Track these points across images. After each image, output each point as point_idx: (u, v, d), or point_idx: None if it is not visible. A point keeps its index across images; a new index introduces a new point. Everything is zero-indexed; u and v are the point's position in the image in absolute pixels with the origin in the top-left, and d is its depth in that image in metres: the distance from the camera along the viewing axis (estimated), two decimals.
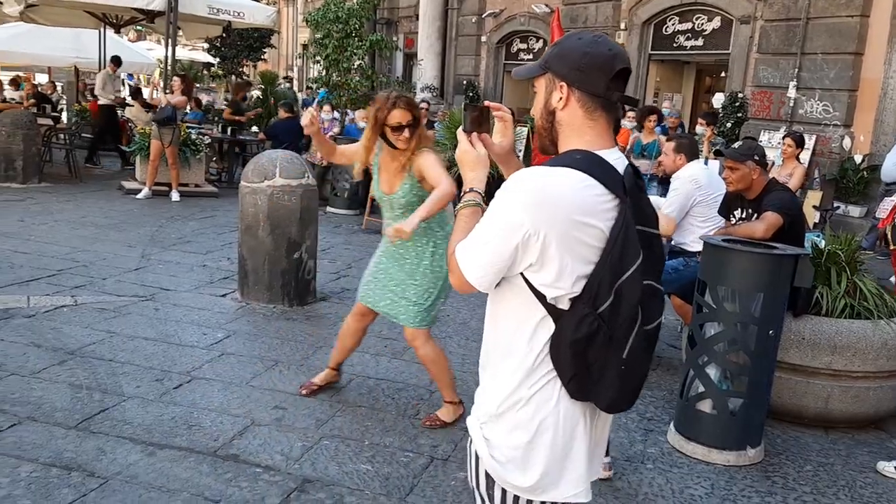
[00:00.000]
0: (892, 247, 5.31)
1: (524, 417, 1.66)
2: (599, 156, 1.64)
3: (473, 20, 18.48)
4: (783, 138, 8.06)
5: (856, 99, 10.90)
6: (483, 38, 18.44)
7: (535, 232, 1.55)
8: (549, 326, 1.62)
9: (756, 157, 4.41)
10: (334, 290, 6.66)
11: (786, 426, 4.37)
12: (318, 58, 14.16)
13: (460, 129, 1.85)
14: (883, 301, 4.39)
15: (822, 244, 4.55)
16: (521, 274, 1.62)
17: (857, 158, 10.64)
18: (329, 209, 10.61)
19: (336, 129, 11.73)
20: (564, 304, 1.60)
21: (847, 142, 10.84)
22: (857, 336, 4.22)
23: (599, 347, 1.59)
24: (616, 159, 1.68)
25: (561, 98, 1.69)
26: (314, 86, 15.05)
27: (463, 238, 1.69)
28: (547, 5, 15.91)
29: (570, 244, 1.57)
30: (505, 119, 1.92)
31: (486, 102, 1.92)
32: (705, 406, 3.99)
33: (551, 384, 1.65)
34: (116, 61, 13.78)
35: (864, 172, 10.35)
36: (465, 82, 18.51)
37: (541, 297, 1.61)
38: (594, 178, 1.58)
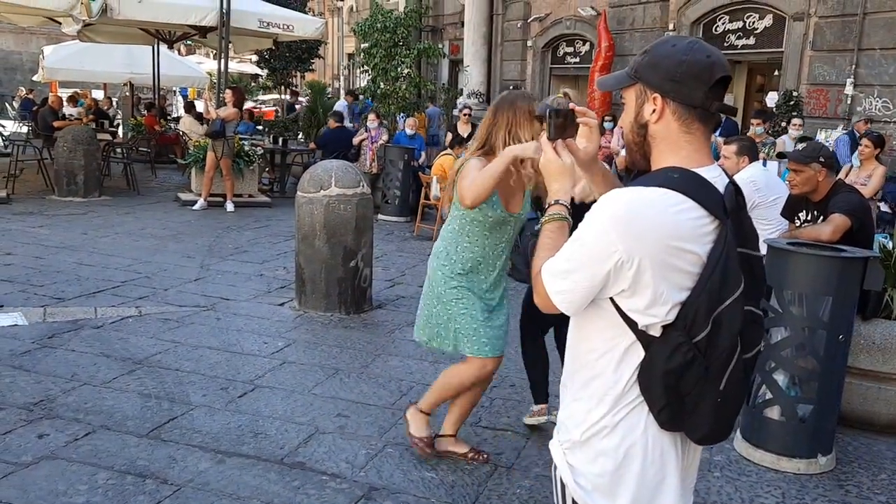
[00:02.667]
0: None
1: (610, 445, 1.59)
2: (698, 174, 1.54)
3: (518, 25, 18.43)
4: (862, 138, 7.80)
5: None
6: (529, 43, 18.38)
7: (629, 258, 1.47)
8: (639, 353, 1.54)
9: (822, 159, 4.31)
10: (389, 298, 6.70)
11: (857, 433, 4.26)
12: (365, 67, 14.30)
13: (544, 136, 1.76)
14: None
15: (890, 245, 4.42)
16: (611, 298, 1.54)
17: None
18: (380, 217, 10.70)
19: (385, 138, 11.82)
20: (656, 331, 1.52)
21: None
22: None
23: (694, 379, 1.50)
24: (716, 177, 1.57)
25: (654, 110, 1.58)
26: (362, 95, 15.20)
27: (549, 256, 1.60)
28: (593, 8, 15.78)
29: (665, 271, 1.48)
30: (591, 124, 1.82)
31: (572, 106, 1.79)
32: (773, 413, 3.91)
33: (638, 410, 1.57)
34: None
35: None
36: (511, 87, 18.49)
37: (631, 324, 1.53)
38: (693, 199, 1.49)
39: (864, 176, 7.41)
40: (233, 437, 3.82)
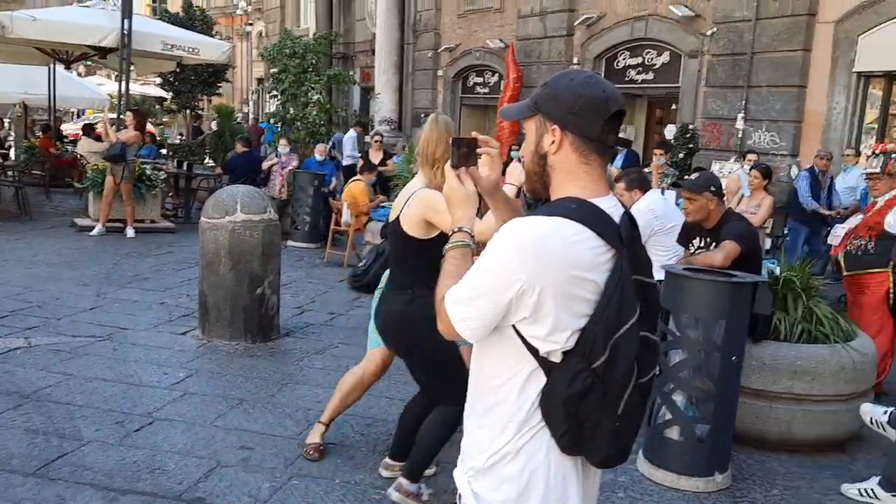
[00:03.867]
0: (844, 273, 5.46)
1: (513, 471, 1.60)
2: (595, 205, 1.58)
3: (429, 54, 18.69)
4: (750, 170, 8.25)
5: (801, 130, 11.27)
6: (439, 72, 18.64)
7: (531, 286, 1.49)
8: (540, 379, 1.56)
9: (713, 189, 4.53)
10: (297, 325, 6.59)
11: (751, 451, 4.43)
12: (274, 92, 14.15)
13: (447, 164, 1.77)
14: (838, 326, 4.51)
15: (777, 270, 4.67)
16: (513, 325, 1.56)
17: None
18: (290, 243, 10.53)
19: (295, 163, 11.69)
20: (557, 358, 1.54)
21: (794, 170, 11.16)
22: (816, 360, 4.32)
23: (594, 404, 1.53)
24: (612, 207, 1.62)
25: (553, 142, 1.62)
26: (272, 120, 15.03)
27: (453, 283, 1.61)
28: (501, 40, 16.18)
29: (565, 299, 1.51)
30: (492, 153, 1.84)
31: (474, 135, 1.82)
32: (673, 433, 4.03)
33: (540, 435, 1.59)
34: None
35: None
36: (422, 115, 18.66)
37: (533, 350, 1.55)
38: (591, 228, 1.53)
39: (754, 205, 7.82)
40: (128, 473, 3.64)
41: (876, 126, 10.88)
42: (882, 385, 5.31)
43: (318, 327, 6.54)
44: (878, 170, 5.30)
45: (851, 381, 4.40)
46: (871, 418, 3.99)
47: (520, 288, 1.50)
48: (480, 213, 2.03)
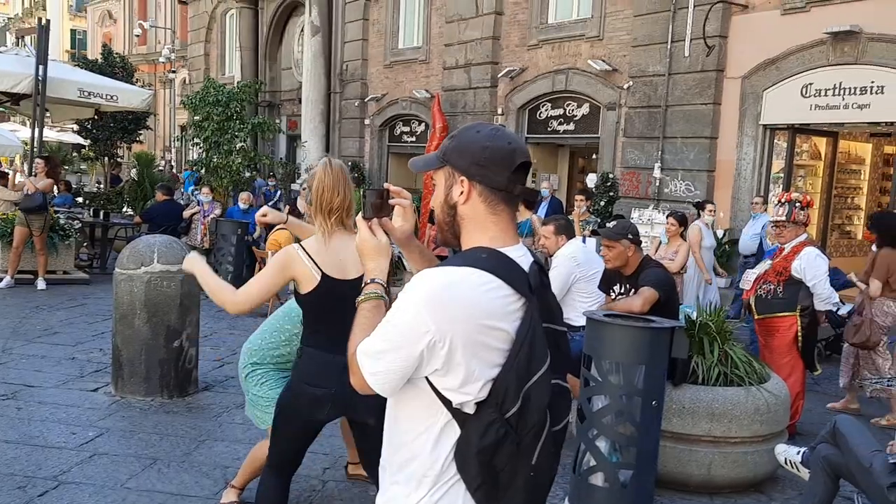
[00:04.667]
0: (756, 316, 5.66)
1: None
2: (504, 254, 1.60)
3: (356, 104, 18.81)
4: (667, 217, 8.53)
5: (714, 179, 11.76)
6: (366, 121, 18.76)
7: (442, 338, 1.49)
8: (455, 431, 1.55)
9: (630, 236, 4.65)
10: (217, 379, 6.38)
11: (673, 494, 4.48)
12: (196, 140, 13.97)
13: (359, 215, 1.77)
14: (752, 368, 4.65)
15: (694, 315, 4.80)
16: (426, 377, 1.55)
17: (719, 233, 11.41)
18: None
19: (217, 212, 11.48)
20: (470, 409, 1.53)
21: (708, 218, 11.62)
22: (732, 403, 4.43)
23: (508, 454, 1.52)
24: (521, 256, 1.64)
25: (462, 192, 1.64)
26: (192, 169, 14.79)
27: (365, 336, 1.59)
28: (427, 91, 16.44)
29: (476, 349, 1.51)
30: (404, 204, 1.85)
31: (387, 185, 1.84)
32: (598, 479, 4.03)
33: (455, 489, 1.57)
34: None
35: (726, 246, 11.09)
36: (350, 164, 18.70)
37: (446, 402, 1.54)
38: (500, 278, 1.54)
39: (672, 252, 8.07)
40: None
41: (782, 175, 11.46)
42: (795, 426, 5.47)
43: (238, 380, 6.33)
44: (783, 218, 5.55)
45: (767, 422, 4.52)
46: (786, 459, 4.09)
47: (430, 339, 1.50)
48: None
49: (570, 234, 5.40)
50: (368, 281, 1.73)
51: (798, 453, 4.02)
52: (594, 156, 14.20)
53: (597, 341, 4.10)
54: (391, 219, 1.83)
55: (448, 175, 1.68)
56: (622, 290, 4.79)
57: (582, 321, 4.96)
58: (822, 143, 12.24)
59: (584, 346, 4.23)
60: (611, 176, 12.97)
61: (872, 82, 9.81)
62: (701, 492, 4.51)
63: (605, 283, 4.99)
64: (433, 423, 1.57)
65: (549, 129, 14.49)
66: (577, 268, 5.22)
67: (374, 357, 1.55)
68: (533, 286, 1.59)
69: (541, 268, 1.68)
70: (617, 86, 12.90)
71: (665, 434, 4.31)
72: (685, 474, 4.49)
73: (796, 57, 10.56)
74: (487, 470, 1.52)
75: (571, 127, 14.16)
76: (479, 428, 1.51)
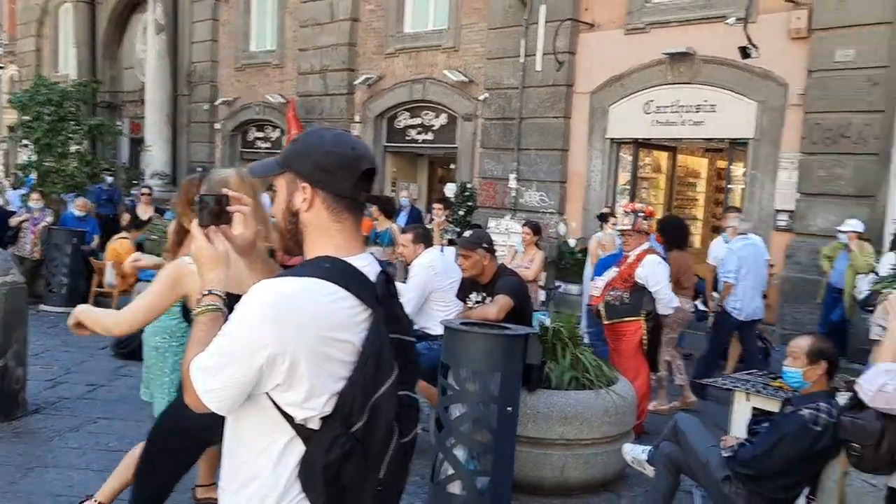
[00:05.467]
0: (604, 322, 5.89)
1: None
2: (350, 264, 1.55)
3: (205, 107, 18.06)
4: (522, 226, 8.71)
5: (566, 190, 12.23)
6: (217, 126, 18.05)
7: (282, 352, 1.42)
8: (298, 448, 1.49)
9: (485, 245, 4.70)
10: (49, 400, 5.85)
11: (529, 498, 4.56)
12: (25, 141, 12.88)
13: (195, 223, 1.67)
14: (602, 372, 4.83)
15: (548, 322, 4.93)
16: (267, 393, 1.48)
17: (572, 242, 11.85)
18: (42, 307, 9.46)
19: (50, 219, 10.60)
20: (315, 424, 1.48)
21: (562, 227, 12.06)
22: (584, 406, 4.58)
23: (354, 469, 1.48)
24: (366, 265, 1.59)
25: (305, 199, 1.58)
26: (21, 172, 13.62)
27: (200, 351, 1.50)
28: (282, 95, 16.06)
29: (321, 362, 1.46)
30: (245, 211, 1.76)
31: (225, 191, 1.75)
32: (455, 488, 4.04)
33: None
34: None
35: (579, 254, 11.54)
36: (199, 170, 17.89)
37: (288, 419, 1.47)
38: (345, 288, 1.49)
39: (528, 260, 8.27)
40: None
41: (628, 187, 12.09)
42: (642, 426, 5.73)
43: (73, 401, 5.86)
44: (629, 227, 5.83)
45: (615, 423, 4.70)
46: (633, 458, 4.27)
47: (270, 353, 1.43)
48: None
49: (429, 243, 5.40)
50: (205, 292, 1.63)
51: (643, 452, 4.20)
52: (453, 165, 14.39)
53: (454, 350, 4.11)
54: (231, 227, 1.73)
55: (290, 181, 1.61)
56: (479, 299, 4.84)
57: (439, 330, 4.96)
58: (663, 157, 13.03)
59: (442, 355, 4.23)
60: (469, 186, 13.18)
61: (706, 101, 10.55)
62: (555, 494, 4.62)
63: (462, 292, 5.03)
64: (275, 440, 1.50)
65: (407, 138, 14.54)
66: (434, 277, 5.22)
67: (209, 373, 1.47)
68: (380, 296, 1.56)
69: (388, 277, 1.64)
70: (473, 97, 13.15)
71: (521, 439, 4.38)
72: (540, 477, 4.59)
73: (639, 75, 11.18)
74: (333, 486, 1.47)
75: (430, 136, 14.28)
76: (325, 443, 1.46)
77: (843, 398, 3.13)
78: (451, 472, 4.04)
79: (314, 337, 1.44)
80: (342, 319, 1.48)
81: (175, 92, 18.38)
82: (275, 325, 1.43)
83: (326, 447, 1.45)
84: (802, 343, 3.49)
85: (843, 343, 7.93)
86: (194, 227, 1.67)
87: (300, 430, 1.48)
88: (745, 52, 9.18)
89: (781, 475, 3.43)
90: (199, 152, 18.39)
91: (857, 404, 2.29)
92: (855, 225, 7.97)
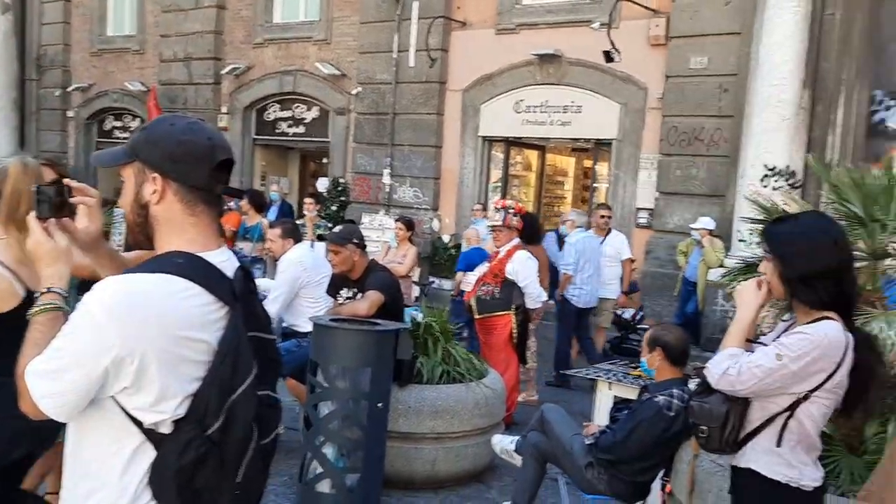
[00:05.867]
0: (476, 316, 5.97)
1: None
2: (204, 259, 1.48)
3: (57, 93, 16.92)
4: (396, 221, 8.68)
5: (440, 186, 12.33)
6: (70, 113, 16.95)
7: (130, 353, 1.34)
8: (149, 453, 1.40)
9: (355, 241, 4.64)
10: None
11: (400, 493, 4.54)
12: None
13: (31, 215, 1.54)
14: (472, 365, 4.89)
15: (420, 317, 4.93)
16: (112, 397, 1.38)
17: (445, 238, 11.98)
18: None
19: None
20: (167, 428, 1.40)
21: (436, 223, 12.16)
22: (454, 399, 4.61)
23: (209, 473, 1.40)
24: (224, 261, 1.52)
25: (155, 191, 1.49)
26: None
27: (37, 354, 1.38)
28: (142, 83, 15.28)
29: (172, 363, 1.38)
30: (89, 203, 1.64)
31: (67, 181, 1.63)
32: (324, 486, 3.98)
33: None
34: None
35: (452, 250, 11.67)
36: (50, 160, 16.70)
37: (137, 423, 1.39)
38: (199, 285, 1.42)
39: (401, 255, 8.25)
40: None
41: (499, 184, 12.35)
42: (512, 417, 5.85)
43: None
44: (499, 223, 5.93)
45: (485, 415, 4.76)
46: (501, 448, 4.34)
47: (116, 355, 1.34)
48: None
49: (298, 238, 5.28)
50: (44, 290, 1.51)
51: (511, 442, 4.28)
52: (325, 160, 14.19)
53: (323, 346, 4.04)
54: (74, 219, 1.61)
55: (138, 171, 1.51)
56: (349, 295, 4.77)
57: (309, 327, 4.86)
58: (533, 156, 13.41)
59: (311, 352, 4.14)
60: (342, 181, 13.04)
61: (573, 102, 10.95)
62: (426, 488, 4.63)
63: (333, 288, 4.94)
64: (122, 446, 1.41)
65: (278, 130, 14.21)
66: (304, 272, 5.11)
67: (47, 377, 1.36)
68: (237, 293, 1.49)
69: (246, 273, 1.58)
70: (346, 91, 13.02)
71: (391, 435, 4.36)
72: (411, 472, 4.58)
73: (509, 74, 11.44)
74: (187, 492, 1.40)
75: (301, 130, 14.02)
76: (178, 447, 1.38)
77: (694, 384, 3.31)
78: (319, 470, 3.97)
79: (165, 336, 1.37)
80: (196, 317, 1.41)
81: (23, 76, 17.09)
82: (121, 325, 1.34)
83: (179, 451, 1.38)
84: (646, 334, 3.75)
85: (697, 333, 8.46)
86: (31, 219, 1.55)
87: (150, 434, 1.40)
88: (608, 57, 9.58)
89: (639, 459, 3.59)
90: (49, 141, 17.21)
91: (705, 389, 2.40)
92: (706, 223, 8.51)
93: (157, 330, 1.36)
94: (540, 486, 4.08)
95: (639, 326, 7.87)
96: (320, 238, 5.08)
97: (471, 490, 4.73)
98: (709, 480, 3.13)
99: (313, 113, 13.78)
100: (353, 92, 12.83)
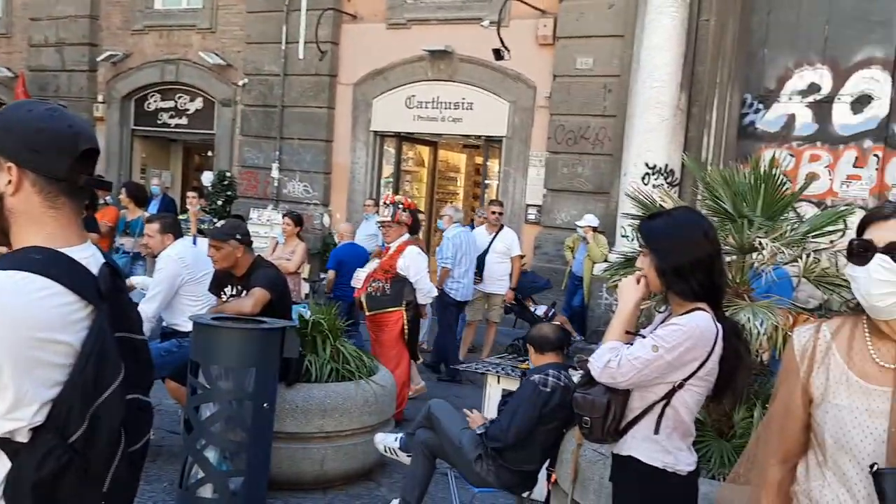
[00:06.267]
0: (367, 313, 5.91)
1: None
2: (66, 255, 1.37)
3: None
4: (283, 216, 8.47)
5: (331, 181, 12.16)
6: None
7: None
8: (3, 465, 1.30)
9: (238, 237, 4.48)
10: None
11: (287, 495, 4.44)
12: None
13: None
14: (363, 362, 4.84)
15: (308, 315, 4.83)
16: None
17: (336, 234, 11.82)
18: None
19: None
20: (23, 437, 1.29)
21: (326, 219, 11.97)
22: (343, 397, 4.55)
23: (72, 484, 1.31)
24: (88, 257, 1.42)
25: (10, 182, 1.38)
26: None
27: None
28: (9, 69, 14.30)
29: (30, 367, 1.27)
30: None
31: None
32: (206, 491, 3.87)
33: None
34: None
35: None
36: None
37: None
38: (60, 283, 1.32)
39: (289, 251, 8.08)
40: None
41: (391, 180, 12.30)
42: (402, 413, 5.83)
43: None
44: (388, 218, 5.90)
45: (375, 412, 4.73)
46: (385, 447, 4.32)
47: None
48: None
49: (178, 234, 5.05)
50: None
51: (396, 440, 4.27)
52: (210, 153, 13.72)
53: (205, 346, 3.90)
54: None
55: None
56: (233, 292, 4.61)
57: (190, 326, 4.67)
58: (425, 152, 13.43)
59: (191, 352, 3.98)
60: (228, 174, 12.64)
61: (464, 98, 11.03)
62: (315, 488, 4.56)
63: (216, 286, 4.76)
64: None
65: (159, 121, 13.63)
66: (184, 269, 4.89)
67: None
68: (104, 291, 1.39)
69: (114, 270, 1.48)
70: (232, 82, 12.63)
71: (278, 435, 4.26)
72: (299, 473, 4.50)
73: (401, 69, 11.40)
74: None
75: (184, 121, 13.49)
76: (35, 457, 1.28)
77: (577, 376, 3.40)
78: (201, 475, 3.84)
79: (21, 339, 1.26)
80: (56, 318, 1.31)
81: None
82: None
83: (37, 462, 1.28)
84: None
85: (583, 325, 8.71)
86: None
87: (4, 444, 1.29)
88: (498, 54, 9.71)
89: (522, 445, 3.67)
90: None
91: (588, 381, 2.46)
92: (591, 220, 8.79)
93: (11, 332, 1.25)
94: (430, 482, 4.09)
95: (554, 323, 8.05)
96: (202, 233, 4.88)
97: (360, 488, 4.68)
98: (591, 469, 3.21)
99: (197, 104, 13.28)
100: (240, 83, 12.45)
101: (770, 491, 1.86)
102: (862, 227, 1.70)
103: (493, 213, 8.03)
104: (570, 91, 9.93)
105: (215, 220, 10.81)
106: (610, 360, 2.31)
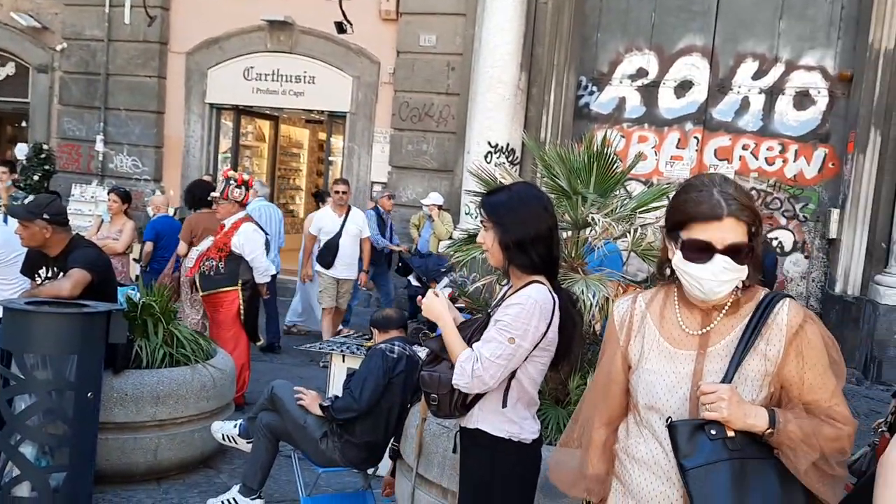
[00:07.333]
0: (201, 293, 5.62)
1: None
2: None
3: None
4: (108, 193, 7.85)
5: (163, 155, 11.47)
6: None
7: None
8: None
9: (46, 216, 4.08)
10: None
11: (118, 488, 4.18)
12: None
13: None
14: (199, 346, 4.60)
15: (137, 297, 4.52)
16: None
17: (171, 211, 11.17)
18: None
19: None
20: None
21: (159, 195, 11.28)
22: (178, 383, 4.32)
23: None
24: None
25: None
26: None
27: None
28: None
29: None
30: None
31: None
32: (23, 490, 3.55)
33: None
34: None
35: (180, 223, 10.90)
36: None
37: None
38: None
39: (116, 231, 7.53)
40: None
41: (230, 155, 11.79)
42: (244, 396, 5.63)
43: None
44: (218, 194, 5.63)
45: (214, 397, 4.53)
46: (223, 435, 4.16)
47: None
48: None
49: None
50: None
51: (235, 426, 4.12)
52: (24, 123, 12.54)
53: (17, 333, 3.56)
54: None
55: None
56: (49, 274, 4.21)
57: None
58: (265, 126, 12.99)
59: (2, 341, 3.61)
60: (45, 147, 11.59)
61: (305, 72, 10.74)
62: (148, 479, 4.33)
63: (30, 268, 4.34)
64: None
65: None
66: None
67: None
68: None
69: None
70: (49, 46, 11.58)
71: (106, 426, 3.98)
72: (130, 464, 4.24)
73: (238, 39, 10.92)
74: None
75: None
76: None
77: (422, 353, 3.41)
78: (17, 472, 3.51)
79: None
80: None
81: None
82: None
83: None
84: None
85: None
86: None
87: None
88: (340, 27, 9.53)
89: (370, 413, 3.67)
90: None
91: (433, 359, 2.46)
92: (435, 198, 8.86)
93: None
94: (273, 465, 3.98)
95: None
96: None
97: (198, 476, 4.49)
98: (435, 442, 3.23)
99: (8, 69, 12.07)
100: (58, 48, 11.45)
101: (595, 451, 1.97)
102: (683, 220, 1.75)
103: (338, 192, 7.76)
104: (413, 68, 9.93)
105: (30, 196, 9.90)
106: (475, 369, 2.31)
